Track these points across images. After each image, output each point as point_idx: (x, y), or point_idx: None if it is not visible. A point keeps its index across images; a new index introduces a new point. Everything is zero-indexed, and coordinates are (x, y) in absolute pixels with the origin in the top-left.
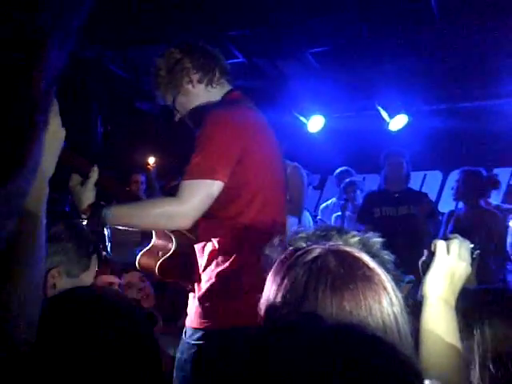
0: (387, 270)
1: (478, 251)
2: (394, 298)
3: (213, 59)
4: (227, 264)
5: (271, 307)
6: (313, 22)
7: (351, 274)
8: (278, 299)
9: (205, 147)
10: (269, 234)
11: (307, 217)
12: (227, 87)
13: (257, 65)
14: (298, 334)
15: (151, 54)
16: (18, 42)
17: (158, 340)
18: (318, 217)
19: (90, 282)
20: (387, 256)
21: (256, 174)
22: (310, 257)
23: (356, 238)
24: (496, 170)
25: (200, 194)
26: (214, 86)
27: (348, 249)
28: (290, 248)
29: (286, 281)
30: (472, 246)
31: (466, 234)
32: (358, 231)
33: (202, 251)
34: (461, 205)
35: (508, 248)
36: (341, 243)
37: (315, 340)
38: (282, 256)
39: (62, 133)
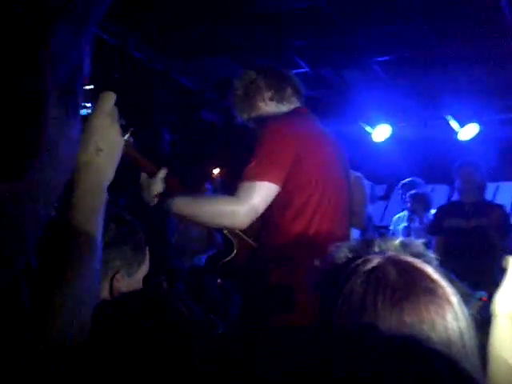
0: (450, 280)
1: None
2: (459, 313)
3: (285, 79)
4: (282, 269)
5: (326, 317)
6: (378, 31)
7: (412, 285)
8: (335, 310)
9: (259, 153)
10: (326, 243)
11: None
12: (296, 104)
13: (322, 75)
14: (356, 344)
15: (217, 66)
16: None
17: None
18: (391, 227)
19: (145, 272)
20: (434, 259)
21: (311, 182)
22: (368, 266)
23: (397, 241)
24: None
25: (255, 195)
26: (285, 103)
27: (409, 259)
28: (344, 256)
29: (343, 291)
30: None
31: None
32: (427, 243)
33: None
34: None
35: None
36: (401, 253)
37: (374, 351)
38: (336, 264)
39: (121, 141)
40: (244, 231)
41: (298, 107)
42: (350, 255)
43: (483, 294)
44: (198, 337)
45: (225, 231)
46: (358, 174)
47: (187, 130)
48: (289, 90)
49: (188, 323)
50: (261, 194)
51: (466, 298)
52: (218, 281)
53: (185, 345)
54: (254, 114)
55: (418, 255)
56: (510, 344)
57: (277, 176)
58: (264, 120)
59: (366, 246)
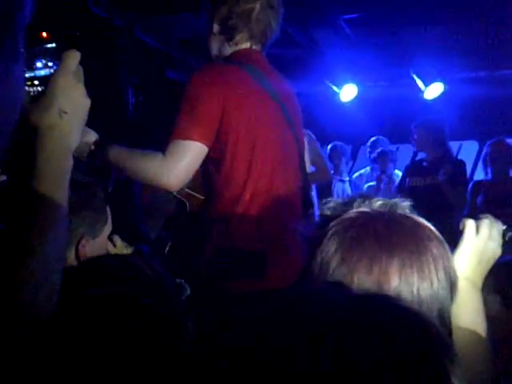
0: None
1: (511, 233)
2: (441, 272)
3: (245, 14)
4: (219, 234)
5: (308, 273)
6: None
7: (397, 238)
8: (316, 265)
9: (183, 108)
10: (266, 202)
11: (341, 186)
12: (246, 46)
13: (288, 32)
14: (318, 303)
15: (182, 23)
16: None
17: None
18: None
19: (109, 230)
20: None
21: (242, 139)
22: (357, 214)
23: (380, 202)
24: None
25: (181, 156)
26: (231, 44)
27: (406, 213)
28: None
29: (326, 237)
30: (504, 227)
31: (498, 204)
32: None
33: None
34: (488, 175)
35: None
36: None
37: (335, 309)
38: (318, 222)
39: (87, 102)
40: (192, 188)
41: (241, 50)
42: (329, 213)
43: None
44: (165, 299)
45: (174, 192)
46: (307, 131)
47: (151, 90)
48: (244, 33)
49: (154, 286)
50: (187, 154)
51: None
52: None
53: (152, 309)
54: (210, 53)
55: None
56: (468, 305)
57: (202, 133)
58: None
59: (347, 205)
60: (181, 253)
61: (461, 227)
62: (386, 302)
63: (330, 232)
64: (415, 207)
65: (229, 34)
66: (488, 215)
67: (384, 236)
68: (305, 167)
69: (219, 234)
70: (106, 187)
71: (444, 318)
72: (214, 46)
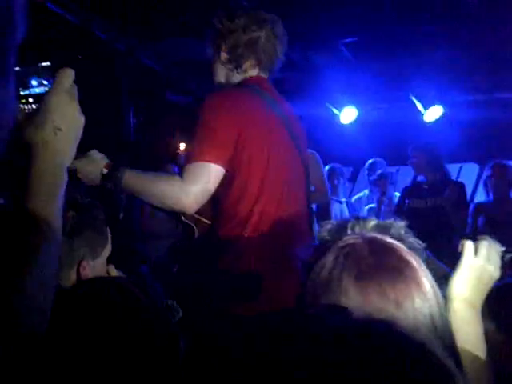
0: (422, 260)
1: (510, 255)
2: (430, 295)
3: (253, 42)
4: (228, 256)
5: (301, 295)
6: (344, 12)
7: (380, 264)
8: (308, 288)
9: (199, 133)
10: (274, 226)
11: (339, 207)
12: (253, 74)
13: (288, 56)
14: (312, 328)
15: (182, 47)
16: None
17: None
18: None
19: (109, 252)
20: (417, 243)
21: (254, 162)
22: (341, 244)
23: (373, 222)
24: None
25: (199, 178)
26: (239, 71)
27: (384, 239)
28: (322, 238)
29: (314, 268)
30: (503, 249)
31: (498, 227)
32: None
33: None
34: (489, 197)
35: None
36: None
37: (330, 335)
38: (316, 246)
39: (81, 119)
40: (199, 212)
41: (252, 77)
42: (328, 237)
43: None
44: (156, 322)
45: (181, 217)
46: (311, 151)
47: (152, 112)
48: (251, 61)
49: (146, 310)
50: (205, 175)
51: (445, 281)
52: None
53: (142, 332)
54: (215, 79)
55: (397, 237)
56: (467, 327)
57: (219, 156)
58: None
59: (342, 227)
60: (188, 275)
61: (459, 249)
62: (382, 329)
63: (326, 258)
64: (414, 228)
65: (237, 62)
66: (486, 237)
67: (373, 263)
68: (310, 190)
69: (227, 255)
70: (113, 211)
71: (440, 335)
72: (221, 74)
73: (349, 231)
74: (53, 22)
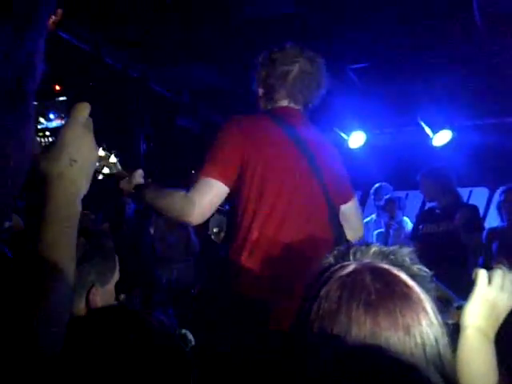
0: (426, 289)
1: None
2: (433, 320)
3: (282, 76)
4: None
5: (304, 322)
6: (354, 38)
7: (388, 290)
8: (312, 314)
9: (209, 151)
10: (278, 251)
11: None
12: (283, 104)
13: None
14: (327, 352)
15: (192, 73)
16: None
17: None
18: None
19: (117, 279)
20: (423, 272)
21: (258, 186)
22: (345, 271)
23: (375, 249)
24: None
25: (202, 193)
26: (272, 103)
27: (385, 266)
28: (327, 262)
29: (319, 295)
30: None
31: None
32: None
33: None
34: (503, 222)
35: None
36: (377, 261)
37: (345, 358)
38: (317, 271)
39: (96, 152)
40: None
41: (281, 107)
42: (332, 262)
43: (463, 303)
44: (168, 351)
45: (212, 236)
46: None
47: (162, 138)
48: (281, 92)
49: (158, 338)
50: (207, 191)
51: (446, 304)
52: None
53: (155, 360)
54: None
55: (399, 265)
56: (478, 355)
57: (222, 174)
58: None
59: (344, 253)
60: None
61: (473, 277)
62: (378, 358)
63: (330, 287)
64: (428, 253)
65: (268, 93)
66: (501, 265)
67: (381, 290)
68: (337, 220)
69: (231, 274)
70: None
71: (444, 361)
72: (260, 107)
73: (351, 257)
74: (64, 49)
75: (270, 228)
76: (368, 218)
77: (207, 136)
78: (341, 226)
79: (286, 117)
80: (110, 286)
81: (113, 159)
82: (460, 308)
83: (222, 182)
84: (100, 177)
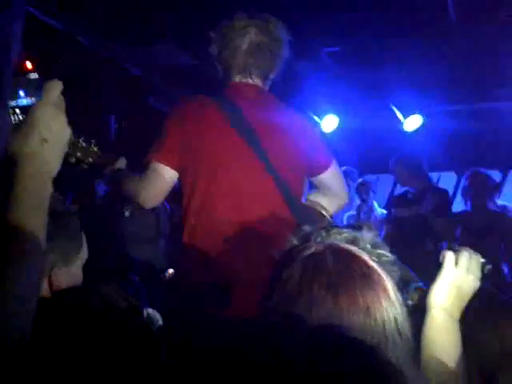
0: (388, 271)
1: (490, 266)
2: (394, 300)
3: (234, 50)
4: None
5: (267, 304)
6: (327, 21)
7: (348, 271)
8: (275, 296)
9: (157, 133)
10: (216, 234)
11: None
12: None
13: None
14: (289, 333)
15: (164, 52)
16: None
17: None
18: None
19: (85, 258)
20: (385, 256)
21: (198, 168)
22: (306, 253)
23: (343, 235)
24: (511, 171)
25: (149, 176)
26: (228, 81)
27: (347, 247)
28: (291, 244)
29: (282, 277)
30: (483, 260)
31: (478, 237)
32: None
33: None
34: (467, 207)
35: None
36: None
37: (307, 339)
38: (280, 253)
39: (67, 131)
40: None
41: (233, 83)
42: (295, 243)
43: (420, 286)
44: (134, 332)
45: None
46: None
47: (134, 118)
48: (235, 68)
49: (123, 317)
50: (153, 175)
51: (406, 284)
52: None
53: (119, 339)
54: None
55: (363, 249)
56: (444, 335)
57: (165, 157)
58: None
59: (306, 236)
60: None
61: (440, 259)
62: (339, 340)
63: (293, 268)
64: (399, 237)
65: (224, 69)
66: (467, 248)
67: (342, 270)
68: (294, 201)
69: (177, 266)
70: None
71: (404, 340)
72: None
73: (313, 240)
74: (34, 27)
75: (203, 212)
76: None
77: None
78: (304, 207)
79: (234, 95)
80: (76, 267)
81: (94, 149)
82: (417, 289)
83: (167, 165)
84: (85, 166)
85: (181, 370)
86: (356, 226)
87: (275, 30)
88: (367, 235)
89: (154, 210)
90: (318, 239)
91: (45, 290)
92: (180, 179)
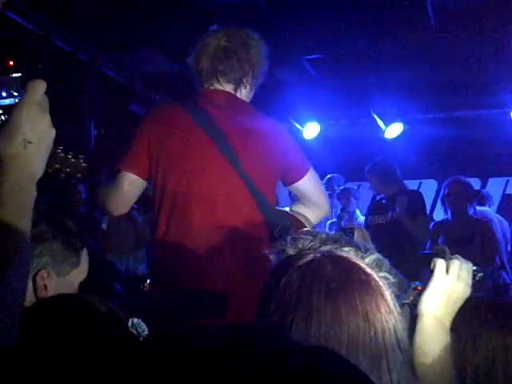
0: (386, 279)
1: (482, 274)
2: (391, 305)
3: (202, 54)
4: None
5: (264, 312)
6: (309, 30)
7: (347, 277)
8: (272, 304)
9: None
10: (185, 241)
11: None
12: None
13: None
14: (287, 341)
15: (145, 58)
16: None
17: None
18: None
19: (82, 278)
20: (383, 265)
21: (166, 176)
22: (304, 260)
23: (330, 246)
24: (491, 180)
25: (118, 185)
26: (205, 85)
27: (343, 254)
28: (285, 252)
29: (279, 285)
30: (475, 268)
31: (459, 243)
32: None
33: None
34: (448, 215)
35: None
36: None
37: (291, 355)
38: (277, 261)
39: (52, 132)
40: None
41: (206, 90)
42: (291, 252)
43: (419, 284)
44: (120, 342)
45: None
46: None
47: (114, 124)
48: (206, 75)
49: (108, 326)
50: (121, 184)
51: (402, 289)
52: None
53: (104, 349)
54: None
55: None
56: (434, 343)
57: (132, 166)
58: None
59: (296, 242)
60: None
61: (431, 266)
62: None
63: (290, 276)
64: (377, 244)
65: (198, 77)
66: (458, 256)
67: (341, 277)
68: (266, 205)
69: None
70: None
71: (401, 346)
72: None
73: (307, 246)
74: (14, 31)
75: (174, 217)
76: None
77: None
78: (276, 211)
79: (205, 101)
80: (69, 281)
81: (83, 164)
82: (415, 288)
83: (132, 173)
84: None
85: (169, 378)
86: (347, 230)
87: (245, 36)
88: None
89: (129, 219)
90: (314, 247)
91: (30, 295)
92: (151, 185)
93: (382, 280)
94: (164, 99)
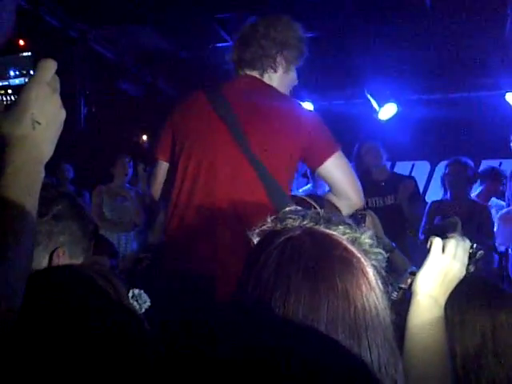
0: (371, 257)
1: (482, 252)
2: (373, 283)
3: (242, 43)
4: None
5: (243, 288)
6: (302, 8)
7: (327, 254)
8: (251, 281)
9: None
10: (210, 218)
11: None
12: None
13: None
14: (265, 319)
15: (135, 35)
16: None
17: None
18: None
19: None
20: (380, 256)
21: (180, 159)
22: (284, 237)
23: (346, 236)
24: (484, 162)
25: (153, 172)
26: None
27: (326, 230)
28: (268, 228)
29: (258, 261)
30: (475, 245)
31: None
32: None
33: None
34: (447, 195)
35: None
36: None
37: (283, 324)
38: (260, 238)
39: (62, 113)
40: None
41: (236, 77)
42: (270, 228)
43: (415, 270)
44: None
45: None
46: None
47: (103, 101)
48: (238, 62)
49: (113, 302)
50: (155, 172)
51: (400, 272)
52: None
53: (107, 323)
54: None
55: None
56: (428, 322)
57: (160, 152)
58: None
59: (284, 218)
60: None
61: (428, 245)
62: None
63: (269, 252)
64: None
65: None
66: (455, 235)
67: (320, 255)
68: (275, 188)
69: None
70: None
71: (383, 325)
72: None
73: (297, 223)
74: None
75: (181, 195)
76: (306, 187)
77: (150, 100)
78: (285, 195)
79: (226, 88)
80: (77, 263)
81: None
82: (413, 273)
83: (162, 159)
84: None
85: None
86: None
87: (272, 22)
88: (367, 236)
89: (125, 199)
90: (297, 223)
91: (43, 265)
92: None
93: (372, 257)
94: (157, 79)
